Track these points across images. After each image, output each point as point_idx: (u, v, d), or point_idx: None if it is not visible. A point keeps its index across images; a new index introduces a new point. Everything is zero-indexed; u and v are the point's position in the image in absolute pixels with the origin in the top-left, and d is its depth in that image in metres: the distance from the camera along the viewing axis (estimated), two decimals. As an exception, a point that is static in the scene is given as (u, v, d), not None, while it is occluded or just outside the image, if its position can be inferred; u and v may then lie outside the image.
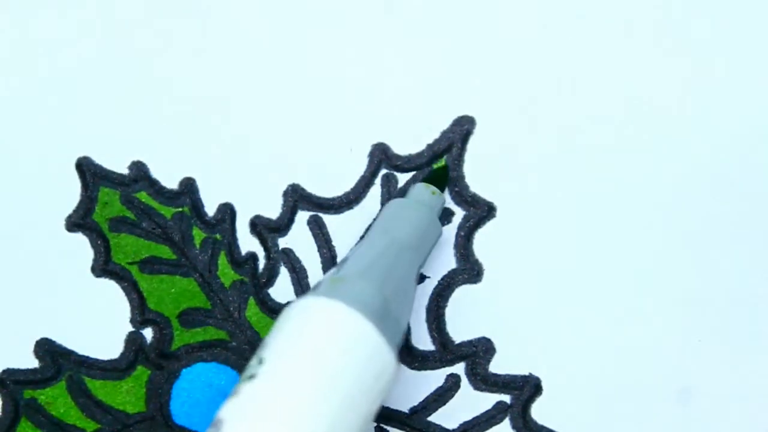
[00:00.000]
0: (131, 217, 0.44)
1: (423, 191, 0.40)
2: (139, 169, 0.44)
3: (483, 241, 0.43)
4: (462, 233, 0.43)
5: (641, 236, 0.43)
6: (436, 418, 0.43)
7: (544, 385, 0.43)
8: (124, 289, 0.44)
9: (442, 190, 0.41)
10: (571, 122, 0.43)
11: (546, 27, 0.43)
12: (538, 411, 0.43)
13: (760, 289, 0.42)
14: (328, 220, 0.44)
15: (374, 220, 0.40)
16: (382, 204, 0.43)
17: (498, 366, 0.43)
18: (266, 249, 0.44)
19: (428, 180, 0.42)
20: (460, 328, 0.43)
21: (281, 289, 0.43)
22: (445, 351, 0.43)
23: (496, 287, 0.43)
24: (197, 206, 0.44)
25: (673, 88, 0.43)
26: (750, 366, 0.42)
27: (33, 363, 0.43)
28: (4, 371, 0.43)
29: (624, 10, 0.43)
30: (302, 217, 0.44)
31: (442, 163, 0.42)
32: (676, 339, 0.42)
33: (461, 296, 0.43)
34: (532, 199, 0.43)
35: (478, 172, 0.43)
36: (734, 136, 0.42)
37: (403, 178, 0.43)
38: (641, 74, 0.43)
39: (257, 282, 0.43)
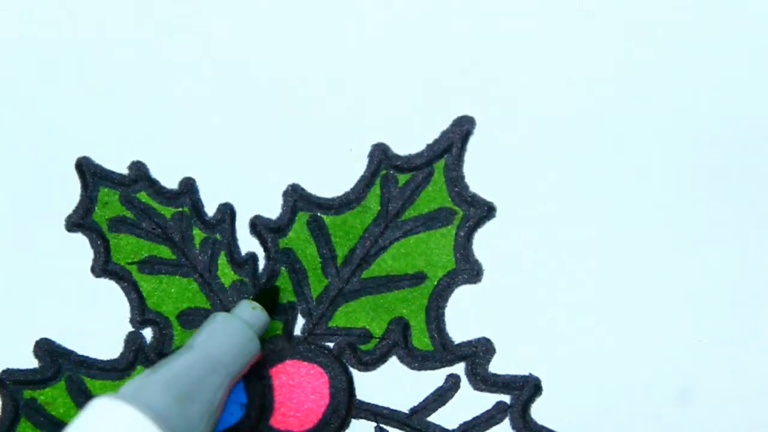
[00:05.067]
0: (131, 217, 0.44)
1: (245, 308, 0.41)
2: (139, 169, 0.44)
3: (483, 241, 0.43)
4: (462, 233, 0.43)
5: (641, 237, 0.42)
6: (436, 418, 0.43)
7: (544, 385, 0.43)
8: (123, 289, 0.44)
9: (270, 311, 0.42)
10: (571, 122, 0.43)
11: (547, 27, 0.43)
12: (538, 411, 0.43)
13: (760, 289, 0.42)
14: (328, 220, 0.43)
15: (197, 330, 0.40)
16: (382, 205, 0.43)
17: (498, 366, 0.43)
18: (266, 249, 0.44)
19: (256, 298, 0.42)
20: (460, 328, 0.43)
21: (281, 289, 0.43)
22: (445, 351, 0.43)
23: (496, 287, 0.43)
24: (197, 206, 0.44)
25: (676, 88, 0.43)
26: (750, 366, 0.42)
27: (33, 363, 0.43)
28: (4, 371, 0.43)
29: (627, 11, 0.43)
30: (302, 217, 0.44)
31: (275, 286, 0.43)
32: (676, 339, 0.42)
33: (461, 296, 0.43)
34: (532, 199, 0.43)
35: (478, 172, 0.43)
36: (735, 137, 0.42)
37: (403, 178, 0.43)
38: (644, 74, 0.43)
39: (257, 282, 0.43)
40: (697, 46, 0.42)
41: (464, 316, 0.43)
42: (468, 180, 0.43)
